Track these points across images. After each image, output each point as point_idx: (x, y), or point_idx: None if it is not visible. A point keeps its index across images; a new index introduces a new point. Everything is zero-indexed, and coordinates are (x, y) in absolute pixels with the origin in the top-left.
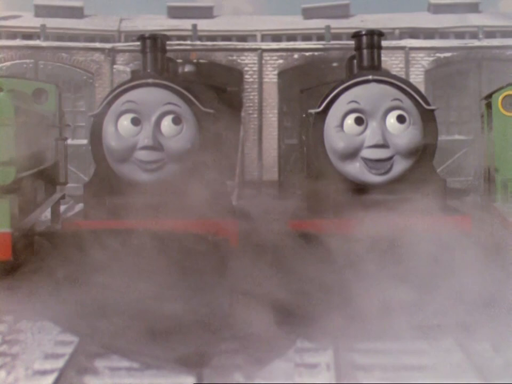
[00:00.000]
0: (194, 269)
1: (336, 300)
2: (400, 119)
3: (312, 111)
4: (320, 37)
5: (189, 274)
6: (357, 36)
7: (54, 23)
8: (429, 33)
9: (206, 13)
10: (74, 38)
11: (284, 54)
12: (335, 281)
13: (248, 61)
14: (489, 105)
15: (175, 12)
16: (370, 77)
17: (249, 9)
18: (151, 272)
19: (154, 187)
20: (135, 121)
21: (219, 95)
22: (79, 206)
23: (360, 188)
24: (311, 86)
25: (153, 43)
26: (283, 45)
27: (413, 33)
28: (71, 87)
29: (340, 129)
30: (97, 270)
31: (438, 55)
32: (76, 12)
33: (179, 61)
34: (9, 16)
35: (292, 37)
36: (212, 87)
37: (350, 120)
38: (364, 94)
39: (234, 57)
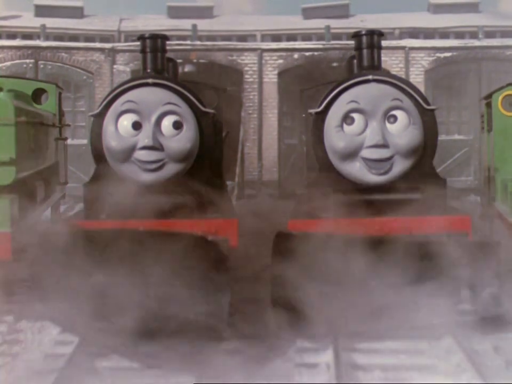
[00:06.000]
0: (194, 269)
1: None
2: (396, 118)
3: (312, 111)
4: (320, 37)
5: (189, 274)
6: (357, 36)
7: (54, 23)
8: (429, 33)
9: (206, 13)
10: (74, 38)
11: (283, 54)
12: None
13: (248, 61)
14: (489, 105)
15: (175, 12)
16: (370, 77)
17: (249, 9)
18: (150, 272)
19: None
20: (136, 126)
21: (219, 95)
22: (79, 206)
23: (360, 188)
24: (311, 86)
25: (153, 43)
26: (283, 45)
27: (413, 33)
28: (71, 87)
29: (340, 129)
30: (97, 270)
31: (438, 55)
32: (76, 12)
33: (179, 61)
34: (9, 16)
35: (291, 37)
36: (212, 87)
37: (349, 119)
38: (364, 94)
39: (234, 57)
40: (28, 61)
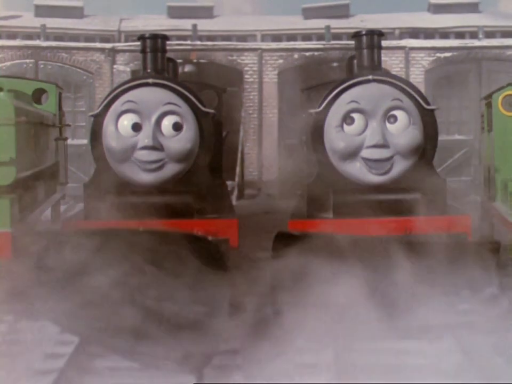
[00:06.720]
0: (194, 269)
1: None
2: (396, 118)
3: (312, 111)
4: (320, 37)
5: (189, 274)
6: (357, 36)
7: (54, 23)
8: (429, 33)
9: (206, 13)
10: (74, 38)
11: (284, 54)
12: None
13: (248, 61)
14: (489, 105)
15: (175, 12)
16: (370, 77)
17: (249, 9)
18: (150, 272)
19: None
20: (136, 126)
21: (219, 95)
22: (79, 206)
23: (360, 188)
24: (311, 86)
25: (153, 43)
26: (283, 45)
27: (413, 33)
28: (71, 87)
29: (340, 129)
30: (96, 270)
31: (438, 55)
32: (76, 12)
33: (179, 61)
34: (9, 16)
35: (292, 37)
36: (212, 87)
37: (349, 119)
38: (364, 94)
39: (234, 57)
40: (28, 61)
